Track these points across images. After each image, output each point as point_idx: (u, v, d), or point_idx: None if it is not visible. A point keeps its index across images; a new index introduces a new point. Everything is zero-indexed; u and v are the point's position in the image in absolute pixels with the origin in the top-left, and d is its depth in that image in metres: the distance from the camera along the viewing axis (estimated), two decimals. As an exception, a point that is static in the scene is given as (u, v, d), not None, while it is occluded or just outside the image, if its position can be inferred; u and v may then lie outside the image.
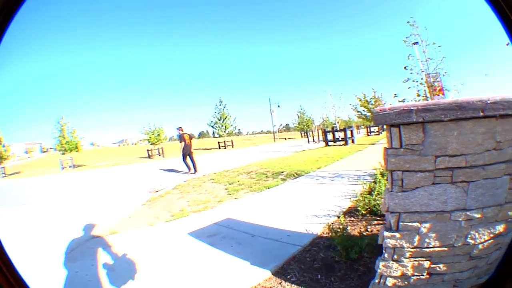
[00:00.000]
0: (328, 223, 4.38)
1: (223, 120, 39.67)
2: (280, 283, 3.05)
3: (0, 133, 33.91)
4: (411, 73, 7.51)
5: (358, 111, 34.83)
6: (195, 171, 12.89)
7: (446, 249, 1.98)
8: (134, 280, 3.45)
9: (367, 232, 3.74)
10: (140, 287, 3.30)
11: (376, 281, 2.22)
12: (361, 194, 5.18)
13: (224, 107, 39.85)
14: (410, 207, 1.97)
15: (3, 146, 33.68)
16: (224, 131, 39.80)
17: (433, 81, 7.60)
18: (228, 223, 5.15)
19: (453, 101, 1.87)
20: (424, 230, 1.96)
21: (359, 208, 4.53)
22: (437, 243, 1.97)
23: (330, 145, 20.40)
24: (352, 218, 4.45)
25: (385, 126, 2.10)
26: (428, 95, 7.58)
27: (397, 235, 2.02)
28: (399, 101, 8.52)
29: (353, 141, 20.22)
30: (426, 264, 2.03)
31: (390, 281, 2.14)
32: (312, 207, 5.45)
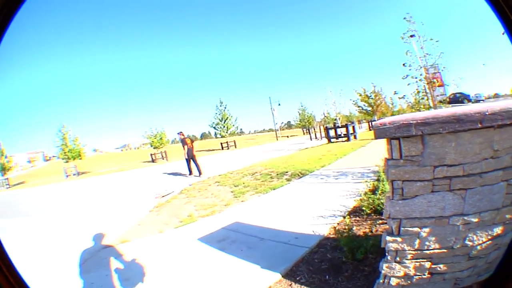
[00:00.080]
0: (334, 224, 4.51)
1: (225, 120, 39.79)
2: (290, 285, 3.17)
3: (2, 145, 34.20)
4: (410, 69, 7.60)
5: (359, 106, 34.92)
6: (200, 173, 13.08)
7: (445, 250, 2.10)
8: (150, 288, 3.59)
9: (371, 232, 3.85)
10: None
11: (381, 281, 2.35)
12: (365, 193, 5.30)
13: (225, 107, 40.01)
14: (410, 213, 2.08)
15: (5, 157, 33.95)
16: (226, 132, 39.93)
17: (432, 77, 7.68)
18: (236, 227, 5.27)
19: (451, 114, 1.94)
20: (424, 234, 2.08)
21: (363, 208, 4.64)
22: (437, 246, 2.09)
23: (333, 142, 20.48)
24: (357, 218, 4.55)
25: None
26: (428, 90, 7.67)
27: (399, 239, 2.14)
28: (399, 98, 8.62)
29: (355, 137, 20.28)
30: (427, 264, 2.16)
31: (394, 281, 2.27)
32: (318, 207, 5.55)
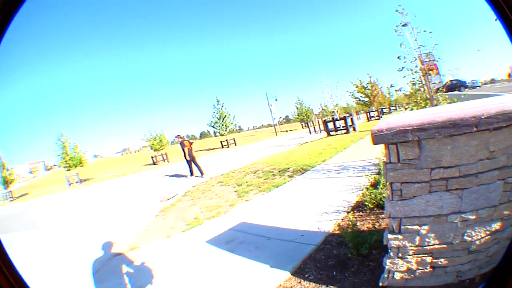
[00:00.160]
0: (338, 220, 4.62)
1: (223, 119, 39.80)
2: (299, 282, 3.28)
3: (3, 158, 34.21)
4: (405, 62, 7.66)
5: (356, 98, 35.13)
6: (202, 174, 13.25)
7: (445, 246, 2.21)
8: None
9: (375, 228, 3.96)
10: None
11: (385, 275, 2.48)
12: (366, 188, 5.41)
13: (222, 106, 40.01)
14: (410, 212, 2.19)
15: (7, 170, 33.92)
16: (225, 130, 39.95)
17: (427, 68, 7.75)
18: (243, 228, 5.38)
19: (447, 119, 2.02)
20: (424, 232, 2.19)
21: (366, 203, 4.75)
22: (437, 242, 2.20)
23: (332, 135, 20.58)
24: (361, 213, 4.65)
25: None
26: (424, 81, 7.73)
27: (400, 236, 2.26)
28: (396, 90, 8.71)
29: (354, 129, 20.36)
30: (428, 259, 2.27)
31: (397, 275, 2.39)
32: (321, 203, 5.65)
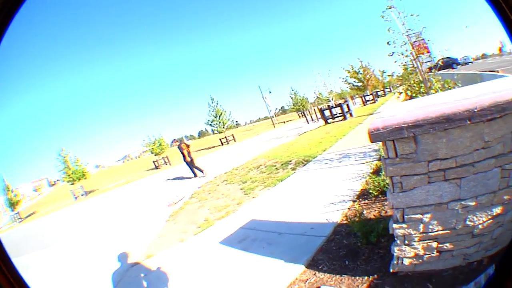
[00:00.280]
0: (345, 210, 4.77)
1: (219, 116, 39.71)
2: (314, 274, 3.44)
3: (6, 180, 34.16)
4: (394, 46, 7.76)
5: (349, 83, 35.20)
6: (203, 174, 13.50)
7: (448, 231, 2.35)
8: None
9: (381, 215, 4.10)
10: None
11: (395, 262, 2.63)
12: (369, 176, 5.55)
13: (217, 103, 39.93)
14: (411, 203, 2.34)
15: (12, 192, 33.84)
16: (223, 127, 39.90)
17: (417, 52, 7.85)
18: (253, 225, 5.52)
19: (440, 114, 2.11)
20: (426, 220, 2.34)
21: (370, 191, 4.90)
22: (440, 228, 2.35)
23: (330, 123, 20.69)
24: (366, 201, 4.80)
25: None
26: (415, 64, 7.84)
27: (404, 225, 2.41)
28: (388, 76, 8.85)
29: (351, 115, 20.45)
30: (434, 244, 2.42)
31: (406, 261, 2.55)
32: (327, 194, 5.79)
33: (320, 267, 3.51)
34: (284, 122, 51.19)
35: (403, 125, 2.20)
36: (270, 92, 48.63)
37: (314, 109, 33.58)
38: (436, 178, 2.27)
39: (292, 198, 6.49)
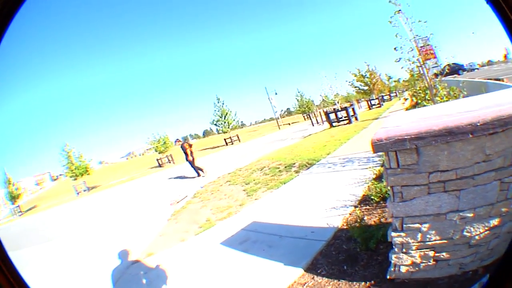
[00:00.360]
0: (346, 215, 4.79)
1: (225, 116, 39.71)
2: (312, 278, 3.47)
3: (8, 174, 34.34)
4: (401, 52, 7.76)
5: (355, 87, 35.17)
6: (203, 173, 13.78)
7: (446, 241, 2.38)
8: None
9: (381, 222, 4.12)
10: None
11: (392, 269, 2.66)
12: (371, 182, 5.57)
13: (223, 103, 39.96)
14: (411, 212, 2.36)
15: (13, 185, 33.99)
16: (228, 127, 39.91)
17: (424, 58, 7.85)
18: (255, 227, 5.55)
19: (443, 127, 2.13)
20: (425, 229, 2.37)
21: (372, 197, 4.92)
22: (437, 238, 2.37)
23: (335, 126, 20.68)
24: (368, 207, 4.82)
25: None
26: (422, 71, 7.84)
27: (403, 234, 2.44)
28: (394, 81, 8.86)
29: (356, 118, 20.41)
30: (431, 253, 2.45)
31: (403, 269, 2.58)
32: (329, 198, 5.81)
33: (318, 271, 3.54)
34: (289, 124, 51.13)
35: (406, 137, 2.22)
36: (276, 94, 48.73)
37: (319, 112, 33.54)
38: (436, 189, 2.29)
39: (294, 201, 6.51)
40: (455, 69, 30.47)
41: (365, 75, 33.74)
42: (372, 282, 2.97)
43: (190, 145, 14.14)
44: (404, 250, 2.51)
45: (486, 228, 2.31)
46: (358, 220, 4.01)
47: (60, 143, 34.34)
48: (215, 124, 40.64)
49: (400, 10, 7.75)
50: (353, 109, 20.93)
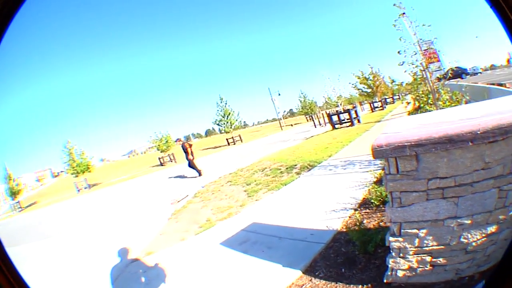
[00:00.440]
0: (345, 218, 4.80)
1: (227, 116, 39.63)
2: (310, 280, 3.49)
3: (9, 169, 34.36)
4: (405, 56, 7.77)
5: (358, 89, 35.13)
6: (201, 174, 14.05)
7: (443, 247, 2.39)
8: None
9: (380, 226, 4.14)
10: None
11: (389, 273, 2.68)
12: (372, 185, 5.58)
13: (226, 103, 39.90)
14: (409, 218, 2.38)
15: (14, 181, 33.97)
16: (230, 127, 39.84)
17: (427, 61, 7.85)
18: (254, 228, 5.57)
19: (443, 135, 2.15)
20: (422, 235, 2.38)
21: (372, 200, 4.93)
22: (435, 243, 2.39)
23: (337, 128, 20.67)
24: (368, 210, 4.83)
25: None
26: (424, 75, 7.84)
27: (400, 239, 2.45)
28: (397, 85, 8.86)
29: (359, 121, 20.39)
30: (428, 258, 2.47)
31: (400, 273, 2.60)
32: (329, 201, 5.82)
33: (317, 274, 3.56)
34: (291, 125, 51.08)
35: (406, 144, 2.24)
36: (279, 94, 48.69)
37: (322, 114, 33.54)
38: (434, 195, 2.30)
39: (294, 203, 6.53)
40: (458, 73, 30.39)
41: (369, 78, 33.71)
42: (369, 285, 2.99)
43: (190, 145, 14.28)
44: (401, 254, 2.53)
45: (484, 235, 2.32)
46: (358, 224, 4.03)
47: (62, 140, 34.35)
48: (218, 124, 40.58)
49: (404, 13, 7.77)
50: (355, 111, 20.92)
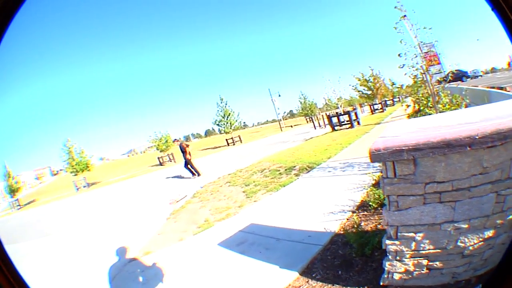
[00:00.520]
0: (343, 220, 4.80)
1: (227, 117, 39.68)
2: (307, 281, 3.49)
3: (8, 167, 34.36)
4: (405, 59, 7.78)
5: (359, 91, 35.19)
6: (193, 175, 14.20)
7: (439, 250, 2.39)
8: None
9: (377, 228, 4.14)
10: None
11: (385, 276, 2.68)
12: (370, 188, 5.58)
13: (226, 104, 39.93)
14: (406, 221, 2.38)
15: (13, 179, 33.96)
16: (230, 128, 39.88)
17: (428, 64, 7.86)
18: (252, 229, 5.57)
19: (441, 140, 2.14)
20: (419, 238, 2.39)
21: (370, 203, 4.93)
22: (431, 247, 2.39)
23: (337, 130, 20.68)
24: (365, 213, 4.83)
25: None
26: (425, 78, 7.85)
27: (397, 242, 2.46)
28: (397, 88, 8.88)
29: (358, 123, 20.41)
30: (425, 262, 2.47)
31: (396, 276, 2.60)
32: (327, 203, 5.83)
33: (313, 275, 3.56)
34: (291, 126, 51.17)
35: (403, 148, 2.23)
36: (279, 95, 48.87)
37: (322, 115, 33.59)
38: (431, 199, 2.30)
39: (293, 204, 6.53)
40: (459, 75, 30.45)
41: (369, 80, 33.77)
42: (366, 287, 2.99)
43: (187, 145, 14.38)
44: (398, 258, 2.53)
45: (481, 239, 2.32)
46: (355, 226, 4.03)
47: (62, 138, 34.34)
48: (218, 124, 40.63)
49: (405, 16, 7.78)
50: (355, 113, 20.92)
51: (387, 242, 2.51)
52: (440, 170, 2.23)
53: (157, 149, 35.16)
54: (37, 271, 6.21)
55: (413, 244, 2.43)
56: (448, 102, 7.79)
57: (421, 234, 2.38)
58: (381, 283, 2.81)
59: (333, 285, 3.26)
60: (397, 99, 40.82)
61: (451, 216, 2.29)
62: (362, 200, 5.41)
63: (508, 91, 11.53)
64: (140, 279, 4.74)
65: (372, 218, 4.56)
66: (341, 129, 20.51)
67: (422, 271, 2.52)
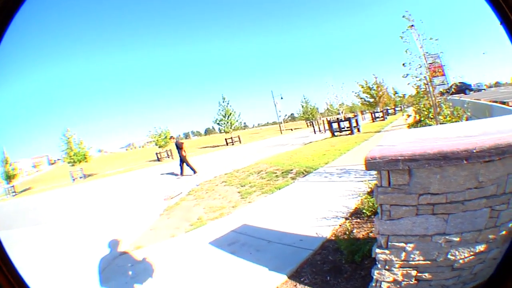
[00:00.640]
0: (336, 227, 4.79)
1: (228, 116, 39.62)
2: (295, 285, 3.48)
3: (6, 153, 34.37)
4: (410, 68, 7.77)
5: (361, 98, 35.22)
6: (182, 174, 14.36)
7: (429, 262, 2.36)
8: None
9: (369, 236, 4.12)
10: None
11: (373, 284, 2.66)
12: (365, 195, 5.56)
13: (228, 103, 39.90)
14: (397, 231, 2.35)
15: (10, 165, 33.96)
16: (230, 127, 39.84)
17: (432, 74, 7.85)
18: (245, 230, 5.56)
19: (438, 152, 2.11)
20: (409, 249, 2.36)
21: (364, 210, 4.91)
22: (421, 258, 2.36)
23: (336, 135, 20.65)
24: (358, 220, 4.82)
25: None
26: (428, 89, 7.84)
27: (387, 251, 2.43)
28: (399, 97, 8.86)
29: (358, 130, 20.37)
30: (414, 272, 2.44)
31: (384, 285, 2.57)
32: (321, 208, 5.81)
33: (302, 279, 3.55)
34: (291, 129, 51.09)
35: (399, 158, 2.21)
36: (282, 98, 48.63)
37: (323, 120, 33.58)
38: (424, 211, 2.28)
39: (287, 207, 6.52)
40: (462, 88, 30.38)
41: (372, 87, 33.84)
42: (353, 295, 2.97)
43: (182, 143, 14.45)
44: (387, 267, 2.50)
45: (472, 253, 2.29)
46: (347, 233, 4.01)
47: (61, 128, 34.31)
48: (218, 123, 40.57)
49: (412, 25, 7.78)
50: (356, 120, 20.88)
51: (377, 250, 2.48)
52: (435, 182, 2.20)
53: (156, 145, 35.15)
54: (28, 259, 6.18)
55: (403, 254, 2.40)
56: (449, 114, 7.79)
57: (411, 245, 2.36)
58: None
59: (320, 290, 3.24)
60: (399, 108, 40.87)
61: (443, 229, 2.27)
62: (356, 207, 5.39)
63: (510, 106, 11.52)
64: (130, 273, 4.73)
65: (365, 225, 4.54)
66: (341, 135, 20.47)
67: (411, 282, 2.49)
